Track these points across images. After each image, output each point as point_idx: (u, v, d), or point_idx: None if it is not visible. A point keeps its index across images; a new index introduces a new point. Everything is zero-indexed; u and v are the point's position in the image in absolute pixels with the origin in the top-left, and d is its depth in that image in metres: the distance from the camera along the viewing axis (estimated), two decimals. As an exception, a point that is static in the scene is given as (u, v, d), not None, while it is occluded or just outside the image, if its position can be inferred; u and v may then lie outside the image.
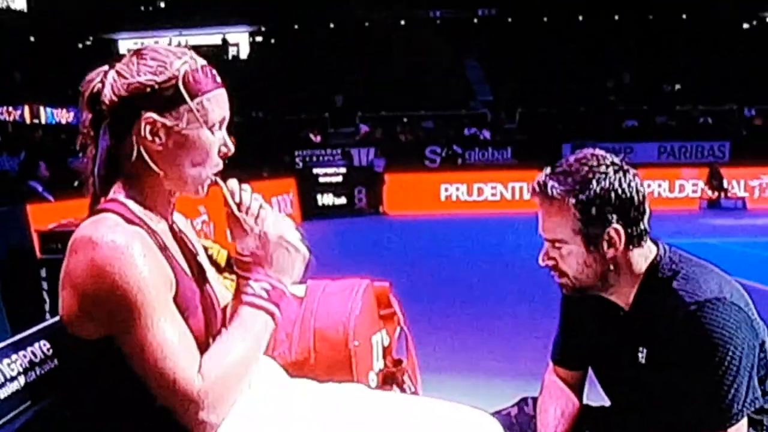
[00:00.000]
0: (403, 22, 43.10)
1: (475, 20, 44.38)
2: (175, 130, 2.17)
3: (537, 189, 2.63)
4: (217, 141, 2.24)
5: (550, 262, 2.68)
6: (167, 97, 2.16)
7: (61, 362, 2.24)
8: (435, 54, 36.54)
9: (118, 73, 2.19)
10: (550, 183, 2.59)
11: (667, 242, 2.75)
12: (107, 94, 2.17)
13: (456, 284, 11.62)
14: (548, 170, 2.65)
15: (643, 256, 2.65)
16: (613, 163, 2.59)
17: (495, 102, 35.14)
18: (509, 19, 42.88)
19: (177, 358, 2.05)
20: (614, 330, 2.70)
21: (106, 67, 2.23)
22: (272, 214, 2.29)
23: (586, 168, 2.56)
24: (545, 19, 42.49)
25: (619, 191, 2.54)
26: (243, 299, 2.23)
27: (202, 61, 2.24)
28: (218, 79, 2.25)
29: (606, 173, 2.55)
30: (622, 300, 2.72)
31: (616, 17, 41.71)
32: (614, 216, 2.55)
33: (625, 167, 2.60)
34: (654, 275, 2.65)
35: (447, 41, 38.35)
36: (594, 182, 2.54)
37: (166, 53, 2.20)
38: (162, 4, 47.85)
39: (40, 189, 13.44)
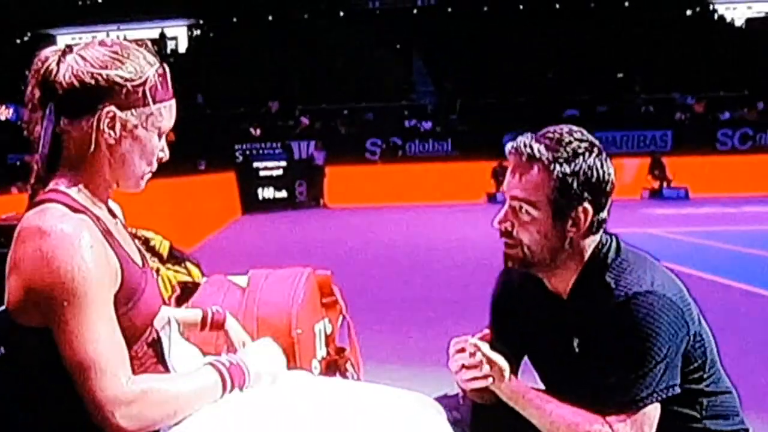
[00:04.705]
0: (342, 14, 43.04)
1: (415, 11, 44.42)
2: (130, 129, 2.19)
3: (520, 149, 2.57)
4: (159, 146, 2.28)
5: (507, 225, 2.61)
6: (134, 97, 2.17)
7: (6, 350, 2.25)
8: (375, 45, 36.50)
9: (83, 58, 2.17)
10: (537, 145, 2.54)
11: (608, 232, 2.73)
12: (66, 76, 2.15)
13: (397, 275, 11.66)
14: (530, 134, 2.61)
15: (593, 245, 2.64)
16: (597, 145, 2.58)
17: (436, 93, 35.18)
18: (449, 9, 42.95)
19: (107, 357, 2.05)
20: (551, 317, 2.71)
21: (62, 47, 2.22)
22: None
23: (576, 141, 2.54)
24: (485, 8, 42.63)
25: (601, 173, 2.55)
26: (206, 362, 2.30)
27: (166, 68, 2.26)
28: (170, 88, 2.28)
29: (592, 151, 2.54)
30: (561, 286, 2.70)
31: (557, 5, 41.91)
32: (588, 196, 2.55)
33: (604, 153, 2.59)
34: (592, 265, 2.64)
35: (387, 32, 38.31)
36: (581, 157, 2.52)
37: (139, 54, 2.21)
38: (100, -1, 47.35)
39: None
